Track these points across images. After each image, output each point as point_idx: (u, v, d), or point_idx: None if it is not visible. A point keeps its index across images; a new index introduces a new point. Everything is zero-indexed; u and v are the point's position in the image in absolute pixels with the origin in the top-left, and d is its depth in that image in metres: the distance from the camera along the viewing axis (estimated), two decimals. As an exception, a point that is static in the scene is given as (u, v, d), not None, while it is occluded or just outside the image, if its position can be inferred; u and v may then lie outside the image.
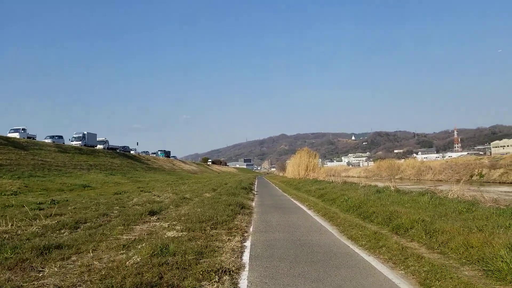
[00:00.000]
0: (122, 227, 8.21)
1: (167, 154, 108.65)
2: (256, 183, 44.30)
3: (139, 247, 6.02)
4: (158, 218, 9.72)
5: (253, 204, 16.68)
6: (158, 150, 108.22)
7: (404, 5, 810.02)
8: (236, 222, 9.82)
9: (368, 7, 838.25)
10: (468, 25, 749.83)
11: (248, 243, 7.49)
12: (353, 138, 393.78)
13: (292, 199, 18.92)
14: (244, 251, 6.74)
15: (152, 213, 10.42)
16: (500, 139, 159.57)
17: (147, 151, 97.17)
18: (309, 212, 13.08)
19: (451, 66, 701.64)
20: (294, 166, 47.25)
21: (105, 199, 16.77)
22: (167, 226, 8.28)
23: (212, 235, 7.75)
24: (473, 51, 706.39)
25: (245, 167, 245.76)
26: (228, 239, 7.53)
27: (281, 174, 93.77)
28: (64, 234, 7.69)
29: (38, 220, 9.15)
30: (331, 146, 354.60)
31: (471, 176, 58.88)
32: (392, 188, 14.82)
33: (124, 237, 7.18)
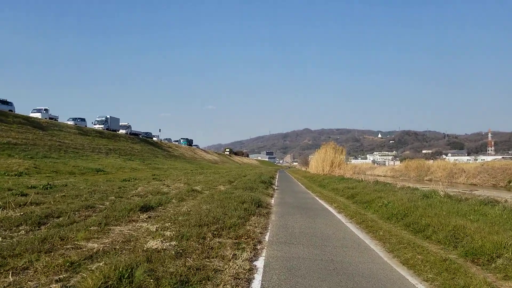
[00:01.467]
0: (97, 228, 6.21)
1: (189, 142, 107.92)
2: (277, 177, 42.05)
3: (93, 267, 3.96)
4: (150, 217, 7.69)
5: (272, 201, 14.50)
6: (181, 138, 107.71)
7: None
8: (248, 227, 7.67)
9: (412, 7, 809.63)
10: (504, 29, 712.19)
11: (260, 263, 5.33)
12: (379, 136, 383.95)
13: (317, 198, 16.60)
14: (253, 280, 4.58)
15: (145, 208, 8.41)
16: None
17: (169, 139, 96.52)
18: (339, 216, 10.76)
19: (487, 66, 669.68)
20: (318, 161, 44.54)
21: (107, 186, 15.05)
22: (154, 229, 6.22)
23: (212, 248, 5.62)
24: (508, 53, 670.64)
25: (267, 159, 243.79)
26: (233, 254, 5.39)
27: (303, 168, 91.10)
28: (19, 233, 5.79)
29: (3, 210, 7.34)
30: (356, 143, 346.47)
31: (509, 182, 54.42)
32: (441, 192, 12.24)
33: (89, 245, 5.16)
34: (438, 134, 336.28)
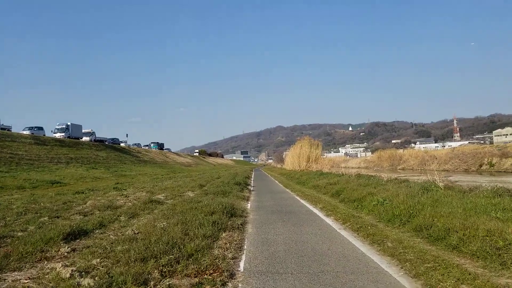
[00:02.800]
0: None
1: (160, 146, 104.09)
2: (253, 176, 40.12)
3: None
4: (75, 249, 5.51)
5: (248, 206, 12.53)
6: (151, 143, 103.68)
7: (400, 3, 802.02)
8: (216, 251, 5.67)
9: (366, 4, 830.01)
10: (464, 20, 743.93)
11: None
12: (350, 129, 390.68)
13: (298, 198, 14.77)
14: None
15: (74, 235, 6.20)
16: (499, 128, 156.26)
17: (138, 144, 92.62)
18: (328, 221, 8.93)
19: (448, 56, 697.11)
20: (294, 157, 42.97)
21: (51, 202, 12.58)
22: (68, 275, 4.08)
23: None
24: (469, 41, 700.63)
25: (242, 159, 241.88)
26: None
27: (279, 166, 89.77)
28: None
29: None
30: (328, 137, 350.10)
31: (480, 166, 54.96)
32: (440, 184, 10.67)
33: None
34: (406, 123, 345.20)
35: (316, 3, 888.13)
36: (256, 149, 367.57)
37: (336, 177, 20.35)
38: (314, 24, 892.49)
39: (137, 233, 6.49)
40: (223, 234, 6.91)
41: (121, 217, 8.41)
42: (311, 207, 11.66)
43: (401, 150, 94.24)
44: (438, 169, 59.78)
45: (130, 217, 8.57)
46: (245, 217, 9.96)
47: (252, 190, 20.32)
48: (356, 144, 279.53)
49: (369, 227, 7.53)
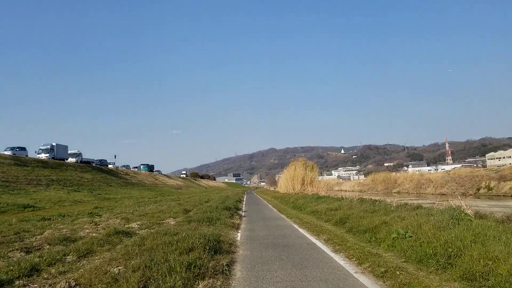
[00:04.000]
0: None
1: (150, 168, 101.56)
2: (244, 200, 37.96)
3: None
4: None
5: (238, 237, 10.55)
6: (141, 164, 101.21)
7: (390, 20, 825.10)
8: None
9: (353, 19, 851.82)
10: (455, 39, 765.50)
11: None
12: (342, 151, 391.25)
13: (296, 227, 12.81)
14: None
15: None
16: (491, 151, 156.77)
17: (127, 165, 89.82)
18: (339, 260, 7.02)
19: (439, 80, 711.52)
20: (288, 180, 41.00)
21: (5, 230, 10.50)
22: None
23: None
24: (460, 65, 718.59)
25: (234, 181, 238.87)
26: None
27: (271, 188, 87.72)
28: None
29: None
30: (320, 160, 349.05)
31: (478, 189, 53.63)
32: (468, 211, 8.87)
33: None
34: (398, 147, 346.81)
35: (308, 16, 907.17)
36: (248, 172, 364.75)
37: (336, 201, 18.49)
38: (307, 41, 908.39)
39: (75, 286, 4.52)
40: (200, 285, 4.96)
41: (68, 256, 6.41)
42: (313, 239, 9.73)
43: (395, 173, 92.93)
44: (434, 192, 58.44)
45: (81, 256, 6.56)
46: (233, 252, 8.01)
47: (244, 216, 18.31)
48: (348, 167, 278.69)
49: (397, 272, 5.64)
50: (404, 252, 6.87)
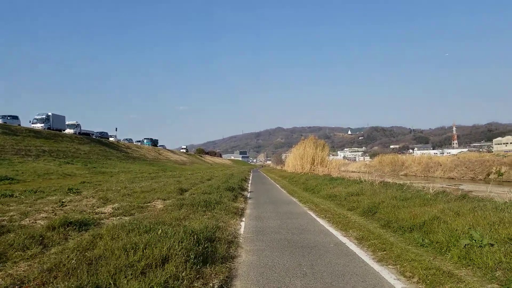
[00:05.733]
0: None
1: (154, 142, 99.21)
2: (250, 179, 35.65)
3: None
4: None
5: (241, 230, 8.11)
6: (144, 138, 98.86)
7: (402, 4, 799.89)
8: None
9: (367, 5, 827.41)
10: (465, 24, 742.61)
11: None
12: (349, 132, 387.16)
13: (313, 215, 10.30)
14: None
15: None
16: (496, 136, 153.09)
17: (130, 139, 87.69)
18: (394, 282, 4.57)
19: (448, 63, 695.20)
20: (297, 159, 38.50)
21: None
22: None
23: None
24: (470, 49, 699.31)
25: (240, 159, 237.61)
26: None
27: (278, 167, 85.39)
28: None
29: None
30: (327, 140, 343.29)
31: (488, 175, 51.09)
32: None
33: None
34: (404, 129, 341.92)
35: (317, 5, 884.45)
36: (255, 150, 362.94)
37: (355, 184, 16.01)
38: (314, 26, 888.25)
39: None
40: None
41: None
42: (340, 236, 7.24)
43: (401, 155, 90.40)
44: (442, 176, 55.79)
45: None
46: (233, 258, 5.55)
47: (249, 198, 15.91)
48: (354, 148, 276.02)
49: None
50: (491, 271, 4.38)
